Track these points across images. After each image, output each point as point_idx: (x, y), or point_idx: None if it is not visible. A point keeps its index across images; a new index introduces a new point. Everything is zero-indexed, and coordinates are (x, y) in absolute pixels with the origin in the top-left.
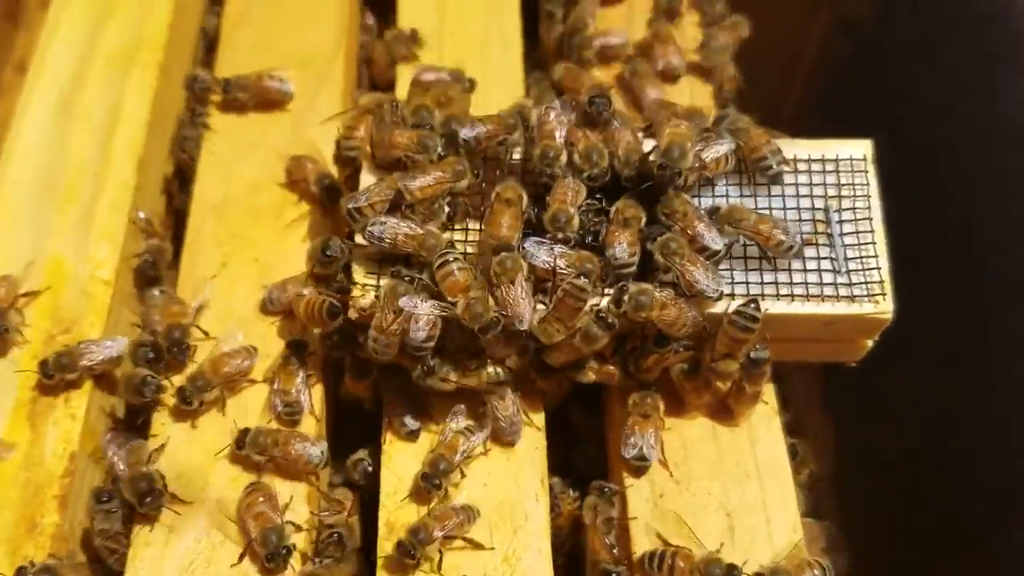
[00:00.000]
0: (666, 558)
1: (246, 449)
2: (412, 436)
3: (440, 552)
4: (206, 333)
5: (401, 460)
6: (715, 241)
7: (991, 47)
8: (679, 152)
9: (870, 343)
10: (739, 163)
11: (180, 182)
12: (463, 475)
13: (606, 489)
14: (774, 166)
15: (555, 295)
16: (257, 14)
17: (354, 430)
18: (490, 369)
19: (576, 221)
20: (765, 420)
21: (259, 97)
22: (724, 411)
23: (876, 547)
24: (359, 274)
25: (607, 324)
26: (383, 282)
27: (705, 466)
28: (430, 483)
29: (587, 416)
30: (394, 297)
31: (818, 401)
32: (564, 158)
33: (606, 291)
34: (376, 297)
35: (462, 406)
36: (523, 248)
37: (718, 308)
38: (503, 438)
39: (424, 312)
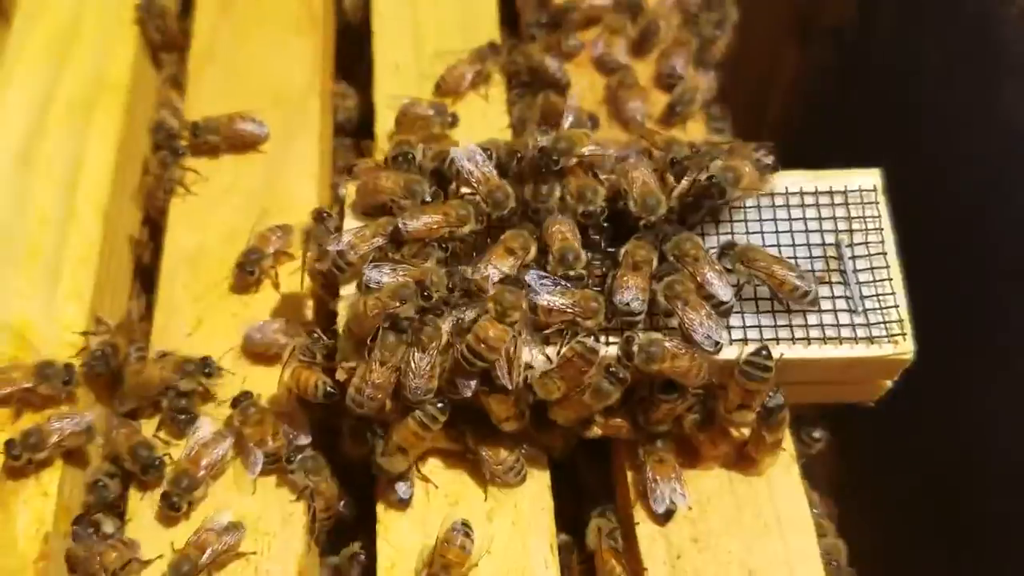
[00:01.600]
0: None
1: None
2: (403, 504)
3: None
4: None
5: (398, 529)
6: (724, 291)
7: (975, 49)
8: (655, 202)
9: (889, 383)
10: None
11: (151, 232)
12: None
13: (605, 512)
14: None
15: (562, 352)
16: (224, 51)
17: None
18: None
19: (584, 258)
20: (783, 468)
21: (232, 140)
22: (740, 459)
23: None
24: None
25: (618, 379)
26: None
27: (723, 521)
28: (168, 503)
29: (596, 468)
30: (384, 347)
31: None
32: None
33: (610, 339)
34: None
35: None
36: (524, 282)
37: (731, 355)
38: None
39: (424, 362)
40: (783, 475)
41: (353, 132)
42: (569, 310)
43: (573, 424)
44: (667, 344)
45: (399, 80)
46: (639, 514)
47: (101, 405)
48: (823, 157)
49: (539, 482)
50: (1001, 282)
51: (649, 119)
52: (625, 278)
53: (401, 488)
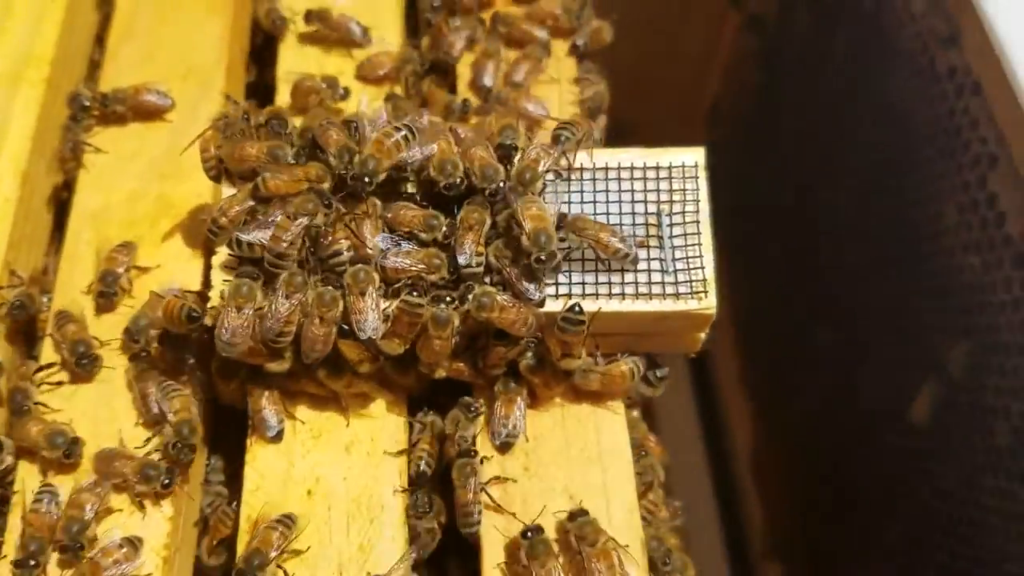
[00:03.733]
0: None
1: None
2: (276, 438)
3: (280, 567)
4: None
5: (265, 457)
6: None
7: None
8: (546, 238)
9: (702, 336)
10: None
11: (68, 194)
12: (282, 570)
13: (472, 407)
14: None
15: (392, 310)
16: (142, 28)
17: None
18: None
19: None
20: (610, 409)
21: (137, 109)
22: (574, 400)
23: (792, 521)
24: (217, 282)
25: (446, 301)
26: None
27: (552, 453)
28: None
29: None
30: (238, 295)
31: (738, 386)
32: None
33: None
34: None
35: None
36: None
37: (555, 308)
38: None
39: (282, 308)
40: (609, 415)
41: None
42: (414, 268)
43: (434, 367)
44: (498, 297)
45: (301, 57)
46: (482, 446)
47: (10, 346)
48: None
49: (396, 420)
50: (890, 260)
51: None
52: (462, 238)
53: (272, 423)
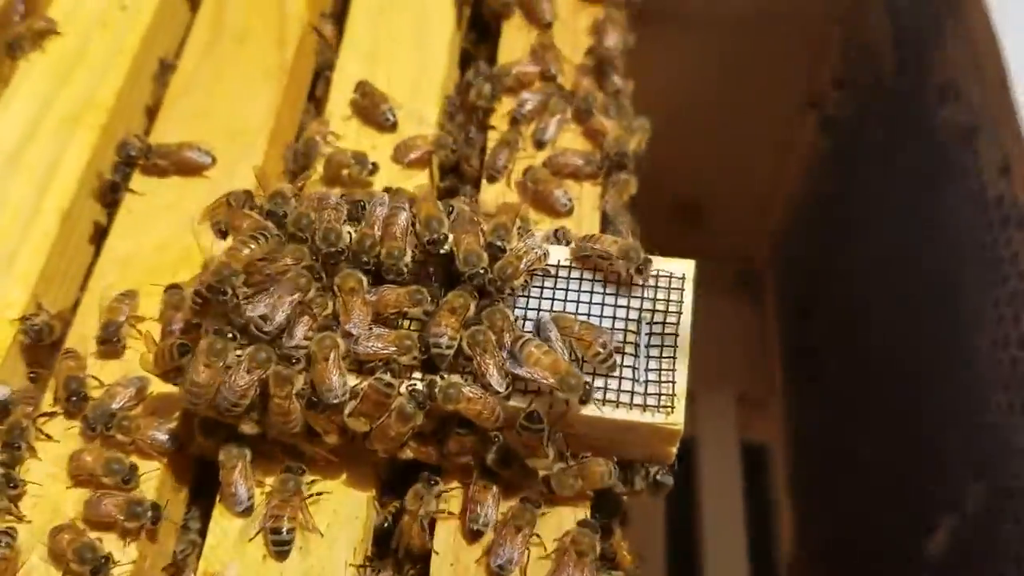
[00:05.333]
0: None
1: None
2: (244, 513)
3: None
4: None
5: (230, 516)
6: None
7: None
8: (575, 381)
9: (673, 449)
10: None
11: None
12: None
13: (432, 480)
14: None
15: (361, 388)
16: (199, 87)
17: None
18: None
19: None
20: (573, 510)
21: (178, 165)
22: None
23: None
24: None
25: (419, 402)
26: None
27: None
28: None
29: None
30: (208, 352)
31: (784, 485)
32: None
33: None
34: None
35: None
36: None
37: (520, 404)
38: None
39: (243, 379)
40: (571, 516)
41: None
42: (385, 351)
43: (389, 452)
44: (464, 389)
45: (347, 128)
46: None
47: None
48: None
49: (359, 496)
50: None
51: None
52: (441, 318)
53: (242, 497)
